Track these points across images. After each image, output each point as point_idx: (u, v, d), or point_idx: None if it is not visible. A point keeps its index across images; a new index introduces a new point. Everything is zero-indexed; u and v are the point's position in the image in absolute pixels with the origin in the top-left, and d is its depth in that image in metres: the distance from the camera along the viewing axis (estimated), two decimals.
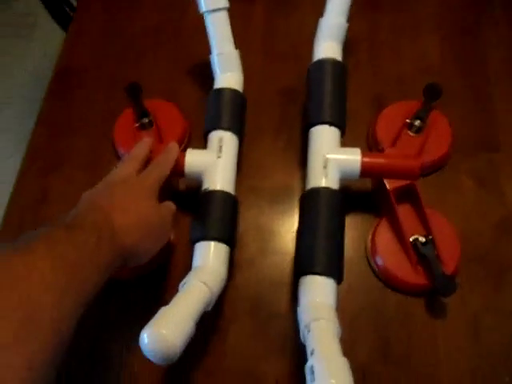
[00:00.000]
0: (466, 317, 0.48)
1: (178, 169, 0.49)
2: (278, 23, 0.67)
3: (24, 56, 1.51)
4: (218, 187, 0.47)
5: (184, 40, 0.67)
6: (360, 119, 0.59)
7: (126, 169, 0.45)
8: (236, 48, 0.55)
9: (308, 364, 0.35)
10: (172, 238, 0.51)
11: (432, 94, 0.53)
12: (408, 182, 0.49)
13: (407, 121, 0.53)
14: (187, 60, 0.65)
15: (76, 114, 0.62)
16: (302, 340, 0.40)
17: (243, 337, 0.48)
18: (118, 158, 0.58)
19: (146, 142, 0.49)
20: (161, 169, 0.46)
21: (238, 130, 0.51)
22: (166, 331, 0.35)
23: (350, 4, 0.54)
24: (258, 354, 0.47)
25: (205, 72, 0.58)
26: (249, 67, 0.61)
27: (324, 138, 0.49)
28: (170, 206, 0.45)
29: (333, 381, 0.33)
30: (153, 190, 0.43)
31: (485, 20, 0.66)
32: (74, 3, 0.77)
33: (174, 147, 0.49)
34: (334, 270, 0.43)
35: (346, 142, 0.55)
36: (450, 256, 0.48)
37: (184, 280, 0.42)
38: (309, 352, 0.37)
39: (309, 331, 0.39)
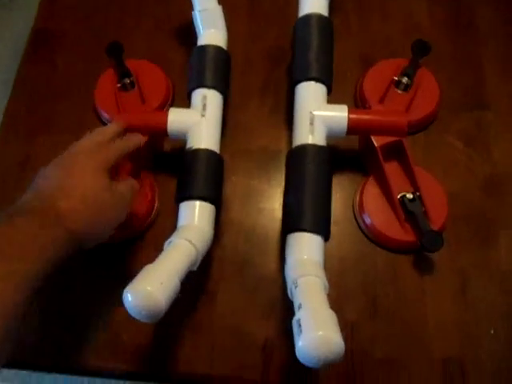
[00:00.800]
0: (453, 273, 0.48)
1: (161, 128, 0.48)
2: None
3: (5, 26, 1.46)
4: (203, 146, 0.46)
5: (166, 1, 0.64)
6: (347, 78, 0.58)
7: (84, 142, 0.42)
8: (220, 5, 0.54)
9: (295, 317, 0.35)
10: (156, 205, 0.50)
11: (420, 50, 0.52)
12: (396, 138, 0.48)
13: (395, 78, 0.52)
14: (171, 19, 0.62)
15: (57, 78, 0.60)
16: (290, 296, 0.40)
17: (232, 296, 0.48)
18: (101, 120, 0.56)
19: (119, 123, 0.46)
20: (117, 148, 0.43)
21: (223, 88, 0.50)
22: (150, 288, 0.34)
23: None
24: (247, 313, 0.47)
25: (189, 31, 0.56)
26: (234, 27, 0.59)
27: (310, 95, 0.48)
28: (128, 184, 0.43)
29: (320, 332, 0.33)
30: (103, 168, 0.41)
31: None
32: None
33: (139, 136, 0.46)
34: (321, 227, 0.43)
35: (333, 100, 0.54)
36: (437, 213, 0.48)
37: (169, 239, 0.42)
38: (296, 307, 0.37)
39: (296, 287, 0.38)
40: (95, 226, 0.39)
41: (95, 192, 0.39)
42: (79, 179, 0.39)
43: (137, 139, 0.46)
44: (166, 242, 0.42)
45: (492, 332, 0.46)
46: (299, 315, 0.34)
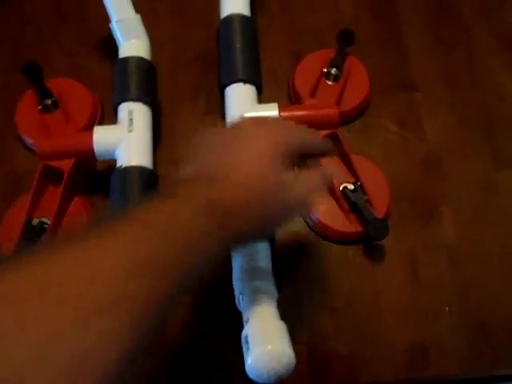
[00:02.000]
0: (402, 256, 0.49)
1: (87, 149, 0.45)
2: None
3: None
4: (134, 163, 0.44)
5: (87, 12, 0.61)
6: (280, 75, 0.57)
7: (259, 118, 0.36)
8: (138, 13, 0.52)
9: (243, 333, 0.34)
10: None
11: (345, 39, 0.52)
12: (330, 130, 0.48)
13: (324, 70, 0.52)
14: (92, 33, 0.60)
15: None
16: (238, 307, 0.39)
17: (181, 313, 0.46)
18: (25, 146, 0.53)
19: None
20: (305, 133, 0.36)
21: (149, 99, 0.48)
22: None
23: None
24: (200, 328, 0.46)
25: (112, 43, 0.54)
26: (159, 33, 0.58)
27: (239, 97, 0.47)
28: (308, 181, 0.34)
29: (269, 347, 0.32)
30: (288, 153, 0.32)
31: None
32: None
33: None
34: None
35: (268, 99, 0.53)
36: (380, 199, 0.48)
37: None
38: (244, 320, 0.36)
39: (243, 297, 0.38)
40: (258, 223, 0.31)
41: (268, 183, 0.31)
42: (246, 162, 0.31)
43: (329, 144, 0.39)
44: None
45: (447, 309, 0.47)
46: (246, 330, 0.33)
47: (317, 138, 0.38)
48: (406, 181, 0.52)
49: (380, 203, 0.48)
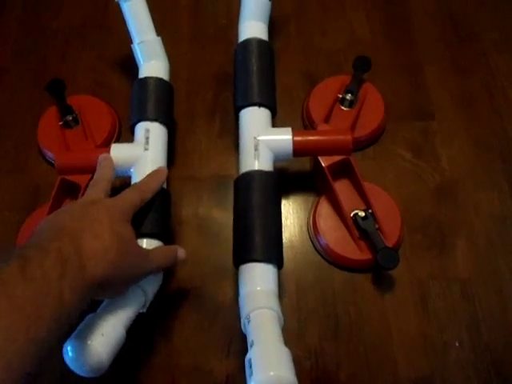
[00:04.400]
0: (412, 286, 0.48)
1: None
2: (205, 5, 0.65)
3: None
4: None
5: (109, 32, 0.63)
6: (295, 97, 0.58)
7: (95, 192, 0.40)
8: (160, 34, 0.53)
9: (247, 357, 0.34)
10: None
11: (361, 66, 0.52)
12: (343, 156, 0.48)
13: (339, 96, 0.52)
14: (114, 53, 0.62)
15: None
16: (244, 331, 0.39)
17: (189, 333, 0.46)
18: (45, 159, 0.55)
19: (106, 161, 0.45)
20: (139, 193, 0.41)
21: (166, 119, 0.49)
22: (90, 341, 0.33)
23: None
24: (206, 349, 0.46)
25: (132, 62, 0.56)
26: (178, 52, 0.59)
27: (253, 120, 0.48)
28: (167, 251, 0.41)
29: (272, 373, 0.32)
30: (127, 214, 0.38)
31: None
32: None
33: (162, 171, 0.44)
34: (273, 255, 0.42)
35: (282, 121, 0.54)
36: (391, 228, 0.48)
37: None
38: (249, 344, 0.36)
39: (249, 321, 0.37)
40: (119, 274, 0.34)
41: (124, 236, 0.35)
42: (104, 222, 0.35)
43: (162, 173, 0.44)
44: None
45: (457, 344, 0.46)
46: (250, 354, 0.33)
47: (150, 186, 0.42)
48: (419, 209, 0.51)
49: (391, 231, 0.47)
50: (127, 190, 0.41)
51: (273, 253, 0.42)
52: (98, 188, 0.40)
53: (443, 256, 0.49)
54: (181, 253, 0.42)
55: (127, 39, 0.54)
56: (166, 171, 0.45)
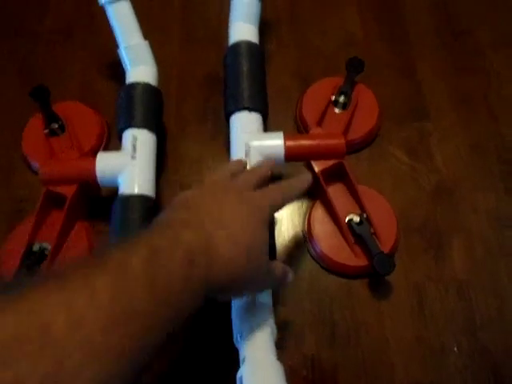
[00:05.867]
0: (409, 290, 0.47)
1: (90, 175, 0.45)
2: (196, 8, 0.64)
3: None
4: (136, 191, 0.44)
5: (96, 37, 0.62)
6: (288, 99, 0.57)
7: (246, 183, 0.35)
8: (149, 36, 0.52)
9: (238, 374, 0.33)
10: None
11: (354, 68, 0.51)
12: (336, 161, 0.47)
13: (332, 98, 0.51)
14: (101, 57, 0.60)
15: None
16: (236, 345, 0.38)
17: (185, 346, 0.45)
18: (31, 169, 0.53)
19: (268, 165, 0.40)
20: (282, 193, 0.36)
21: (154, 126, 0.48)
22: None
23: None
24: (207, 362, 0.44)
25: (120, 67, 0.54)
26: (168, 55, 0.58)
27: (244, 125, 0.47)
28: (284, 268, 0.37)
29: None
30: (267, 214, 0.33)
31: None
32: None
33: (307, 176, 0.40)
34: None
35: (276, 123, 0.53)
36: (387, 232, 0.47)
37: None
38: (241, 359, 0.35)
39: (241, 336, 0.36)
40: (242, 284, 0.32)
41: (257, 245, 0.32)
42: (244, 222, 0.31)
43: (307, 180, 0.39)
44: None
45: (455, 350, 0.45)
46: (242, 371, 0.32)
47: (293, 190, 0.38)
48: (415, 212, 0.50)
49: (387, 236, 0.46)
50: (269, 187, 0.36)
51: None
52: (251, 178, 0.36)
53: (440, 259, 0.49)
54: (291, 275, 0.38)
55: (114, 43, 0.52)
56: (310, 177, 0.39)
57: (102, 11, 0.51)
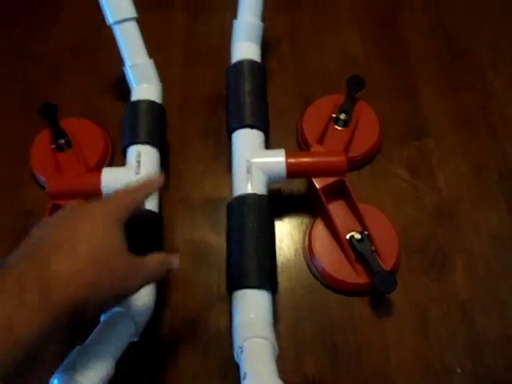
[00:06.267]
0: (411, 310, 0.47)
1: (95, 190, 0.46)
2: (198, 29, 0.65)
3: None
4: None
5: (101, 55, 0.63)
6: (289, 117, 0.57)
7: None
8: (154, 55, 0.53)
9: None
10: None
11: (354, 85, 0.52)
12: (337, 178, 0.47)
13: (333, 115, 0.52)
14: (107, 75, 0.61)
15: None
16: (237, 360, 0.37)
17: (183, 363, 0.45)
18: (38, 184, 0.54)
19: (149, 183, 0.39)
20: (132, 194, 0.36)
21: (158, 142, 0.49)
22: (79, 375, 0.32)
23: (261, 3, 0.52)
24: (200, 380, 0.44)
25: (125, 85, 0.55)
26: (171, 75, 0.59)
27: (246, 143, 0.47)
28: (163, 259, 0.36)
29: None
30: (116, 217, 0.33)
31: (401, 8, 0.66)
32: None
33: (157, 179, 0.39)
34: (267, 281, 0.41)
35: (277, 141, 0.54)
36: (388, 250, 0.47)
37: None
38: (242, 376, 0.35)
39: (242, 351, 0.36)
40: (100, 293, 0.31)
41: (105, 250, 0.31)
42: (84, 232, 0.31)
43: (158, 180, 0.38)
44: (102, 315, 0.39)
45: (459, 371, 0.44)
46: None
47: (141, 190, 0.37)
48: (417, 230, 0.50)
49: (388, 254, 0.46)
50: (117, 191, 0.36)
51: (266, 279, 0.41)
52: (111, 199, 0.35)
53: (442, 278, 0.48)
54: (175, 261, 0.37)
55: (120, 61, 0.54)
56: (161, 179, 0.39)
57: (107, 29, 0.53)
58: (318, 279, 0.48)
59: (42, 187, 0.54)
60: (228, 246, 0.44)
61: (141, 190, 0.37)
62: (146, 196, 0.37)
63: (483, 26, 0.64)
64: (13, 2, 0.70)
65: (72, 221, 0.32)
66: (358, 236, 0.46)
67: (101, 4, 0.51)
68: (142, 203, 0.37)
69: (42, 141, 0.54)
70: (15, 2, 0.70)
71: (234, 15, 0.54)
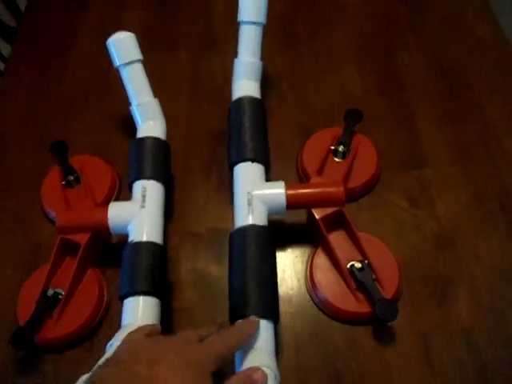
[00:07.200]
0: (414, 339, 0.47)
1: (102, 224, 0.48)
2: (202, 68, 0.68)
3: None
4: (144, 238, 0.46)
5: (111, 95, 0.67)
6: (289, 150, 0.59)
7: (169, 338, 0.34)
8: (160, 93, 0.56)
9: None
10: (105, 301, 0.41)
11: (352, 118, 0.54)
12: (336, 208, 0.48)
13: (331, 147, 0.54)
14: (115, 114, 0.64)
15: (2, 177, 0.60)
16: None
17: None
18: (48, 218, 0.56)
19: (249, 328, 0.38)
20: (226, 345, 0.35)
21: (162, 177, 0.51)
22: None
23: (259, 43, 0.55)
24: None
25: (132, 122, 0.58)
26: (176, 111, 0.62)
27: (247, 175, 0.49)
28: None
29: None
30: (208, 368, 0.32)
31: (397, 44, 0.68)
32: (1, 67, 0.77)
33: (252, 323, 0.39)
34: (268, 311, 0.42)
35: (277, 174, 0.56)
36: (389, 279, 0.47)
37: (111, 341, 0.40)
38: None
39: None
40: None
41: None
42: (183, 378, 0.30)
43: (254, 323, 0.38)
44: (108, 345, 0.40)
45: None
46: None
47: (239, 337, 0.37)
48: (418, 259, 0.51)
49: (389, 283, 0.47)
50: (212, 338, 0.35)
51: (268, 309, 0.42)
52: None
53: (445, 307, 0.48)
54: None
55: (127, 100, 0.56)
56: (257, 323, 0.39)
57: (115, 71, 0.56)
58: (320, 308, 0.48)
59: (52, 222, 0.56)
60: (230, 277, 0.45)
61: (235, 338, 0.36)
62: (240, 345, 0.36)
63: (479, 58, 0.66)
64: (30, 45, 0.75)
65: (168, 369, 0.31)
66: (358, 265, 0.47)
67: (108, 47, 0.54)
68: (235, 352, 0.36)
69: (53, 177, 0.57)
70: (32, 45, 0.75)
71: (235, 54, 0.57)
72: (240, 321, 0.40)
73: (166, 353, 0.32)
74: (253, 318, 0.40)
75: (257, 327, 0.39)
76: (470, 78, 0.64)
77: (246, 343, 0.38)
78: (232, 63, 0.57)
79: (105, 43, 0.55)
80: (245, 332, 0.38)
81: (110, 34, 0.55)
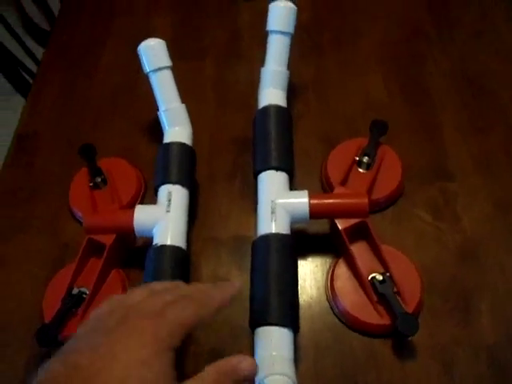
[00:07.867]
0: (435, 353, 0.46)
1: (128, 226, 0.49)
2: (227, 75, 0.69)
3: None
4: (168, 242, 0.47)
5: (138, 101, 0.68)
6: (313, 160, 0.59)
7: (141, 291, 0.31)
8: (186, 100, 0.57)
9: None
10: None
11: (377, 130, 0.54)
12: (359, 219, 0.48)
13: (356, 158, 0.54)
14: (142, 119, 0.66)
15: (33, 180, 0.62)
16: None
17: None
18: (75, 218, 0.58)
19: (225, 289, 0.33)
20: (196, 307, 0.30)
21: (187, 182, 0.52)
22: None
23: (287, 52, 0.56)
24: None
25: (159, 128, 0.59)
26: (202, 118, 0.62)
27: (271, 183, 0.49)
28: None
29: None
30: (171, 338, 0.28)
31: (423, 52, 0.68)
32: (34, 69, 0.79)
33: (232, 285, 0.34)
34: (289, 320, 0.42)
35: (301, 183, 0.56)
36: (410, 292, 0.47)
37: None
38: None
39: None
40: None
41: (152, 380, 0.27)
42: (134, 354, 0.27)
43: (229, 289, 0.33)
44: None
45: None
46: None
47: (212, 302, 0.31)
48: (440, 272, 0.50)
49: (410, 296, 0.47)
50: (179, 299, 0.30)
51: (289, 317, 0.42)
52: (146, 293, 0.30)
53: (467, 321, 0.48)
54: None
55: (154, 106, 0.58)
56: (237, 285, 0.34)
57: (144, 76, 0.57)
58: (339, 319, 0.48)
59: (79, 222, 0.57)
60: (252, 284, 0.45)
61: (208, 299, 0.31)
62: (217, 309, 0.31)
63: (504, 65, 0.65)
64: (61, 49, 0.77)
65: (117, 340, 0.27)
66: (379, 277, 0.47)
67: (139, 54, 0.56)
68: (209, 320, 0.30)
69: (81, 179, 0.58)
70: (63, 49, 0.77)
71: (261, 64, 0.58)
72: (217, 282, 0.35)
73: (108, 337, 0.28)
74: (234, 282, 0.35)
75: (235, 289, 0.33)
76: (496, 85, 0.63)
77: (222, 306, 0.31)
78: (257, 71, 0.58)
79: (133, 49, 0.56)
80: (220, 293, 0.32)
81: (138, 40, 0.56)
